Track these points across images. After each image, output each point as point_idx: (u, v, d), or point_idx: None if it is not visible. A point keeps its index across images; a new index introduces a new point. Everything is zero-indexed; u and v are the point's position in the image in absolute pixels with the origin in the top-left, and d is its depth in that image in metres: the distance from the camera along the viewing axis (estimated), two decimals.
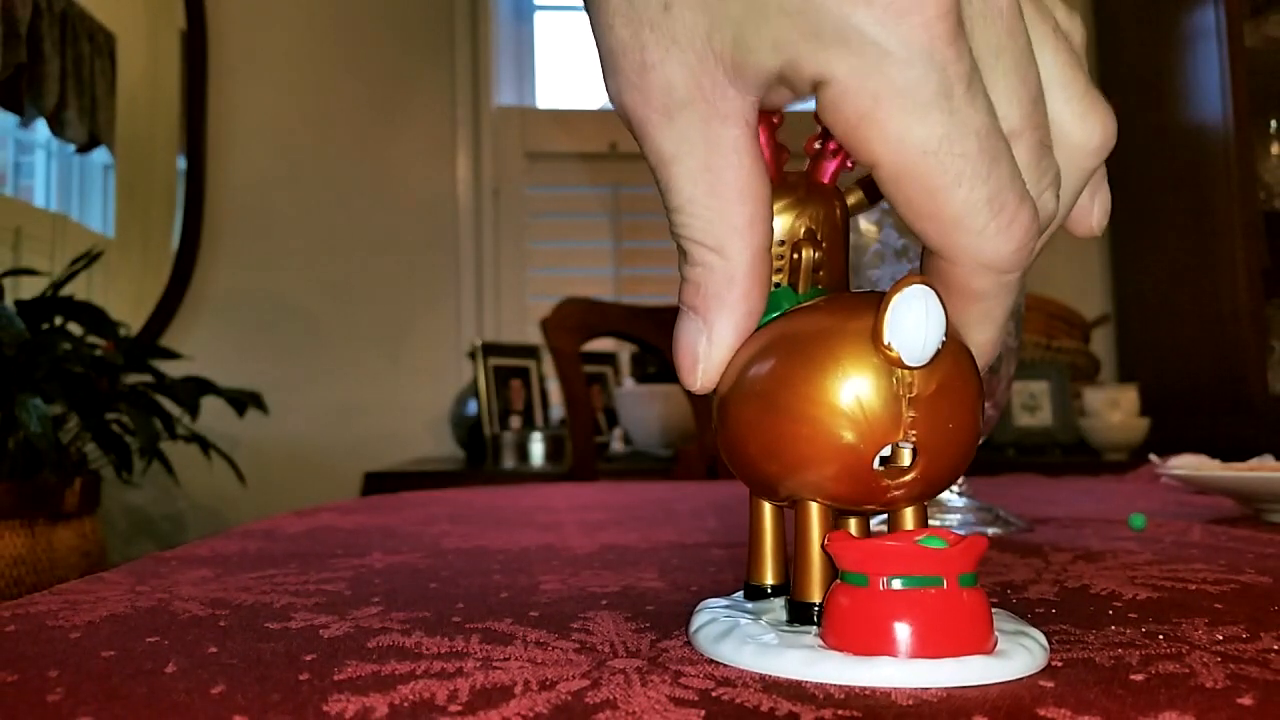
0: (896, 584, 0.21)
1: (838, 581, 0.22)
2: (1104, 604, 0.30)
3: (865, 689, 0.20)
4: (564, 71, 2.31)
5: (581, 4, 0.25)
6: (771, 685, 0.21)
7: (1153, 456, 0.82)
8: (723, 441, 0.25)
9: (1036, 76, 0.23)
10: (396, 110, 2.15)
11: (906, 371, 0.22)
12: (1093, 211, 0.27)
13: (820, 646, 0.22)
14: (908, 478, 0.23)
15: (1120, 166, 2.29)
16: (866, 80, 0.21)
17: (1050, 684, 0.21)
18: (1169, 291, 2.05)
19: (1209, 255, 1.90)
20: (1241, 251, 1.81)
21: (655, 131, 0.23)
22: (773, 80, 0.23)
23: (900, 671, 0.20)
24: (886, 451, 0.22)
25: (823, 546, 0.23)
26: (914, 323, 0.21)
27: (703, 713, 0.19)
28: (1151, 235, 2.11)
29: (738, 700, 0.20)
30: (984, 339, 0.25)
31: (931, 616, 0.21)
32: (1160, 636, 0.25)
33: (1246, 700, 0.19)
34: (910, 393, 0.22)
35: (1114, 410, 1.79)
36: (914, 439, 0.22)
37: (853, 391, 0.22)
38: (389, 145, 2.15)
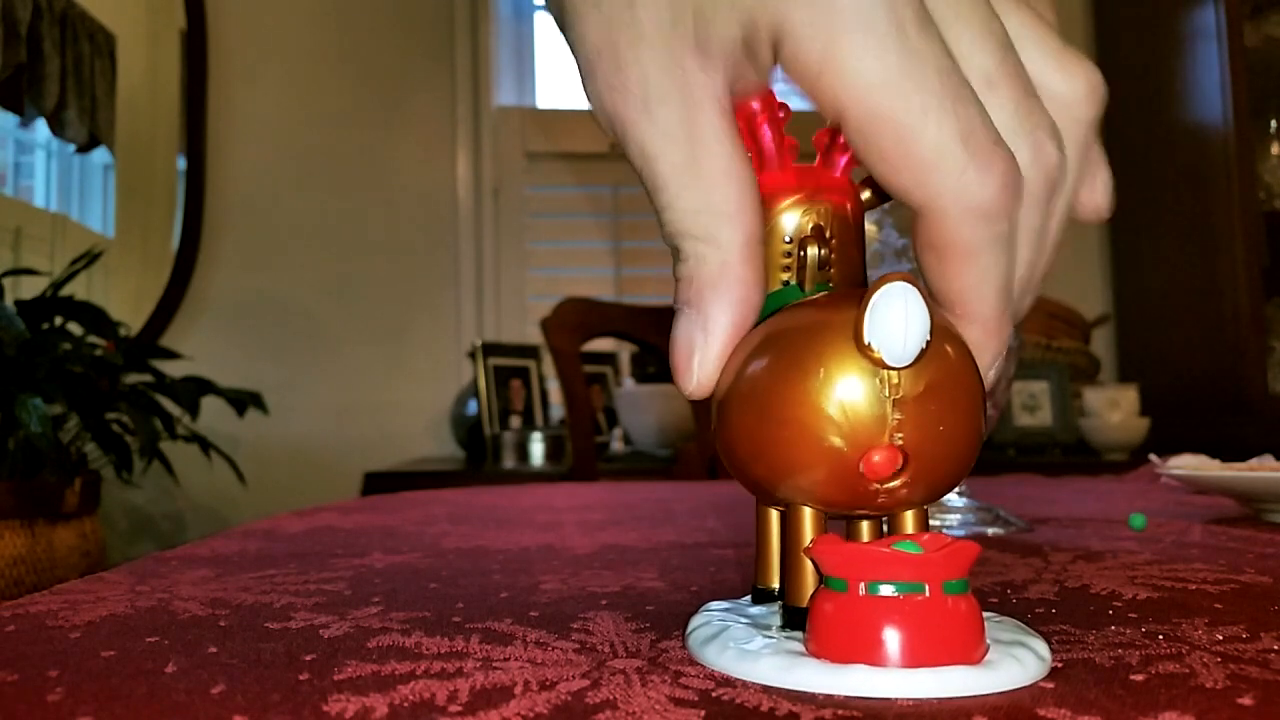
0: (877, 590, 0.21)
1: (821, 586, 0.22)
2: (1104, 604, 0.30)
3: None
4: (564, 71, 2.31)
5: (555, 21, 0.25)
6: (771, 686, 0.21)
7: (1153, 456, 0.82)
8: (719, 444, 0.24)
9: (1002, 28, 0.23)
10: (396, 110, 2.15)
11: (891, 372, 0.21)
12: (1097, 190, 0.27)
13: (803, 653, 0.21)
14: (895, 483, 0.22)
15: (1120, 166, 2.29)
16: (820, 25, 0.21)
17: (1050, 684, 0.21)
18: (1169, 291, 2.05)
19: (1209, 255, 1.90)
20: (1241, 251, 1.81)
21: (636, 130, 0.23)
22: (738, 51, 0.23)
23: (876, 680, 0.20)
24: (878, 456, 0.22)
25: (805, 551, 0.23)
26: (894, 321, 0.21)
27: (703, 713, 0.19)
28: (1151, 235, 2.11)
29: (738, 700, 0.20)
30: (987, 308, 0.24)
31: (911, 624, 0.20)
32: (1160, 636, 0.25)
33: (1246, 700, 0.19)
34: (896, 394, 0.21)
35: (1114, 410, 1.79)
36: (901, 442, 0.21)
37: (836, 393, 0.21)
38: (389, 145, 2.15)
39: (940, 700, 0.19)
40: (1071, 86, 0.24)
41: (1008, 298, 0.24)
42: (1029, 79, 0.23)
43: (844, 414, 0.21)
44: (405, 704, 0.19)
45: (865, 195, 0.26)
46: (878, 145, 0.22)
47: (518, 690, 0.20)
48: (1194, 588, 0.33)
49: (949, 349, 0.22)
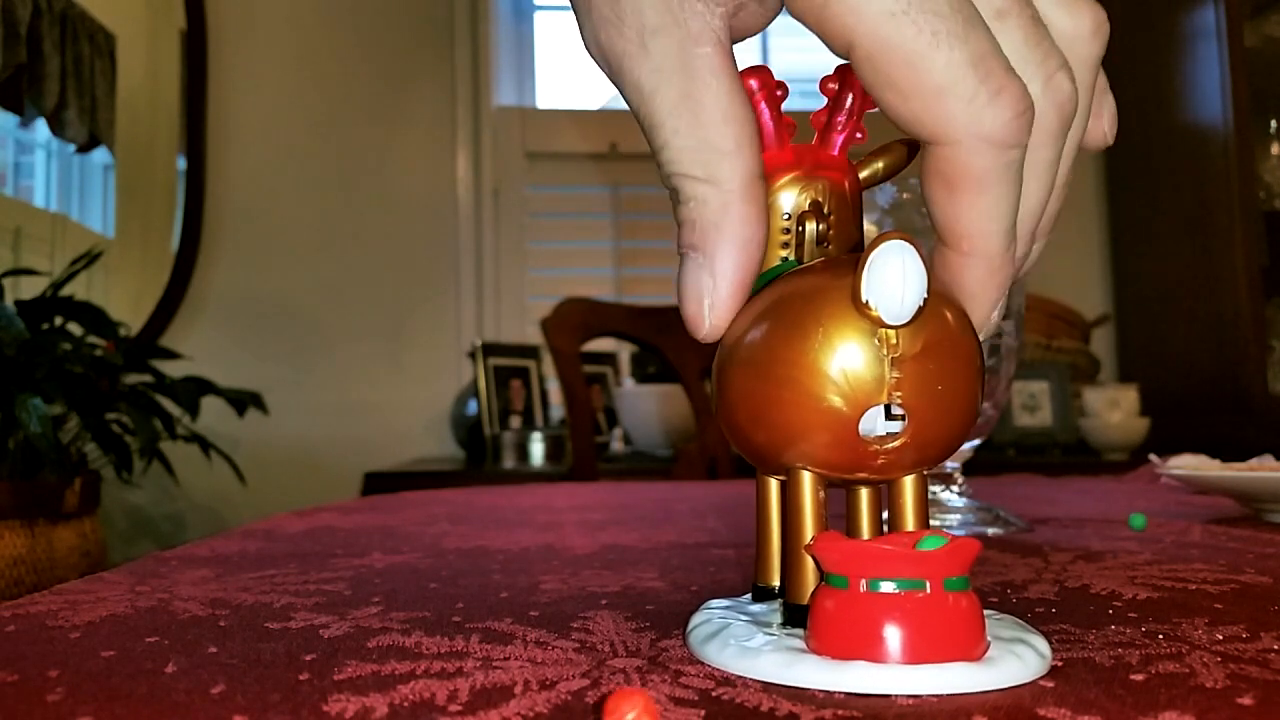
0: (877, 587, 0.21)
1: (821, 583, 0.22)
2: (1104, 604, 0.30)
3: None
4: (564, 71, 2.31)
5: None
6: (772, 685, 0.21)
7: (1153, 456, 0.82)
8: (720, 413, 0.24)
9: None
10: (396, 110, 2.15)
11: (889, 331, 0.21)
12: (1103, 117, 0.26)
13: (804, 650, 0.21)
14: (896, 443, 0.22)
15: (1120, 166, 2.30)
16: None
17: (1050, 684, 0.21)
18: (1169, 291, 2.05)
19: (1209, 255, 1.90)
20: (1241, 251, 1.81)
21: (633, 65, 0.23)
22: None
23: (876, 677, 0.20)
24: (879, 422, 0.21)
25: (806, 548, 0.23)
26: (892, 278, 0.21)
27: (703, 713, 0.19)
28: (1151, 235, 2.11)
29: (738, 700, 0.20)
30: (994, 243, 0.23)
31: (911, 621, 0.20)
32: (1160, 636, 0.25)
33: (1246, 700, 0.19)
34: (895, 353, 0.21)
35: (1114, 410, 1.79)
36: (899, 401, 0.21)
37: (834, 353, 0.21)
38: (389, 145, 2.15)
39: (940, 700, 0.19)
40: (1076, 23, 0.24)
41: (1012, 235, 0.24)
42: (1038, 11, 0.23)
43: (843, 374, 0.21)
44: (405, 704, 0.19)
45: (864, 173, 0.26)
46: (887, 73, 0.22)
47: (518, 690, 0.20)
48: (1194, 588, 0.33)
49: (946, 312, 0.22)
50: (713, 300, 0.23)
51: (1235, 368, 1.83)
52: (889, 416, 0.21)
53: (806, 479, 0.23)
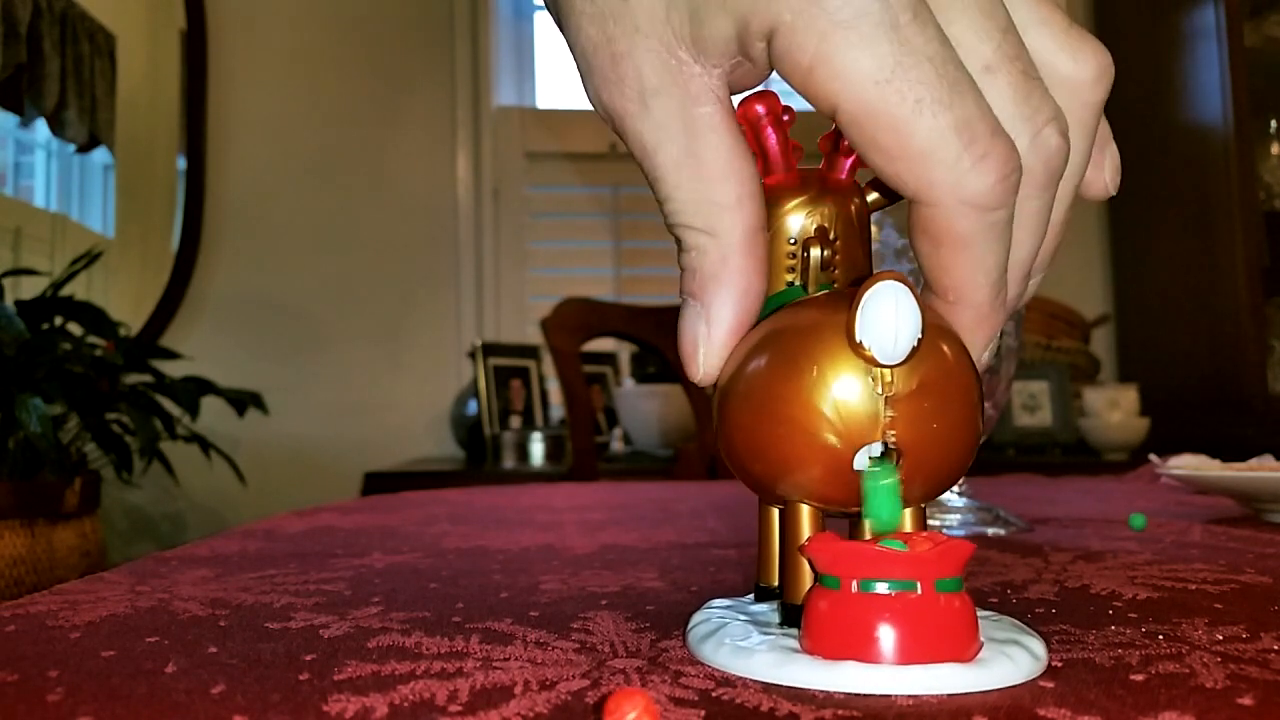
0: (870, 587, 0.21)
1: (815, 584, 0.22)
2: (1104, 604, 0.30)
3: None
4: (564, 71, 2.31)
5: (554, 21, 0.25)
6: (772, 686, 0.21)
7: (1153, 456, 0.82)
8: (720, 443, 0.25)
9: (1004, 11, 0.23)
10: (396, 110, 2.15)
11: (883, 370, 0.21)
12: (1104, 168, 0.26)
13: (798, 650, 0.22)
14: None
15: (1121, 167, 2.29)
16: (812, 20, 0.21)
17: (1050, 684, 0.21)
18: (1169, 291, 2.05)
19: (1209, 255, 1.90)
20: (1241, 251, 1.81)
21: (634, 123, 0.24)
22: (732, 49, 0.23)
23: (868, 677, 0.20)
24: (876, 451, 0.22)
25: (800, 549, 0.23)
26: (885, 319, 0.21)
27: (703, 713, 0.19)
28: (1151, 235, 2.11)
29: (738, 700, 0.20)
30: (980, 295, 0.24)
31: (903, 622, 0.20)
32: (1160, 636, 0.25)
33: (1246, 700, 0.19)
34: (889, 391, 0.21)
35: (1114, 410, 1.79)
36: (893, 439, 0.21)
37: (830, 391, 0.21)
38: (389, 145, 2.15)
39: (940, 700, 0.19)
40: (1079, 69, 0.24)
41: (1001, 285, 0.24)
42: (1031, 62, 0.23)
43: (837, 412, 0.21)
44: (405, 704, 0.19)
45: (872, 197, 0.26)
46: (872, 138, 0.22)
47: (518, 690, 0.20)
48: (1194, 588, 0.33)
49: (944, 347, 0.22)
50: (707, 349, 0.24)
51: (1235, 368, 1.83)
52: (884, 454, 0.22)
53: (804, 511, 0.23)
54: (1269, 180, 1.93)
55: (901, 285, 0.21)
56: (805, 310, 0.23)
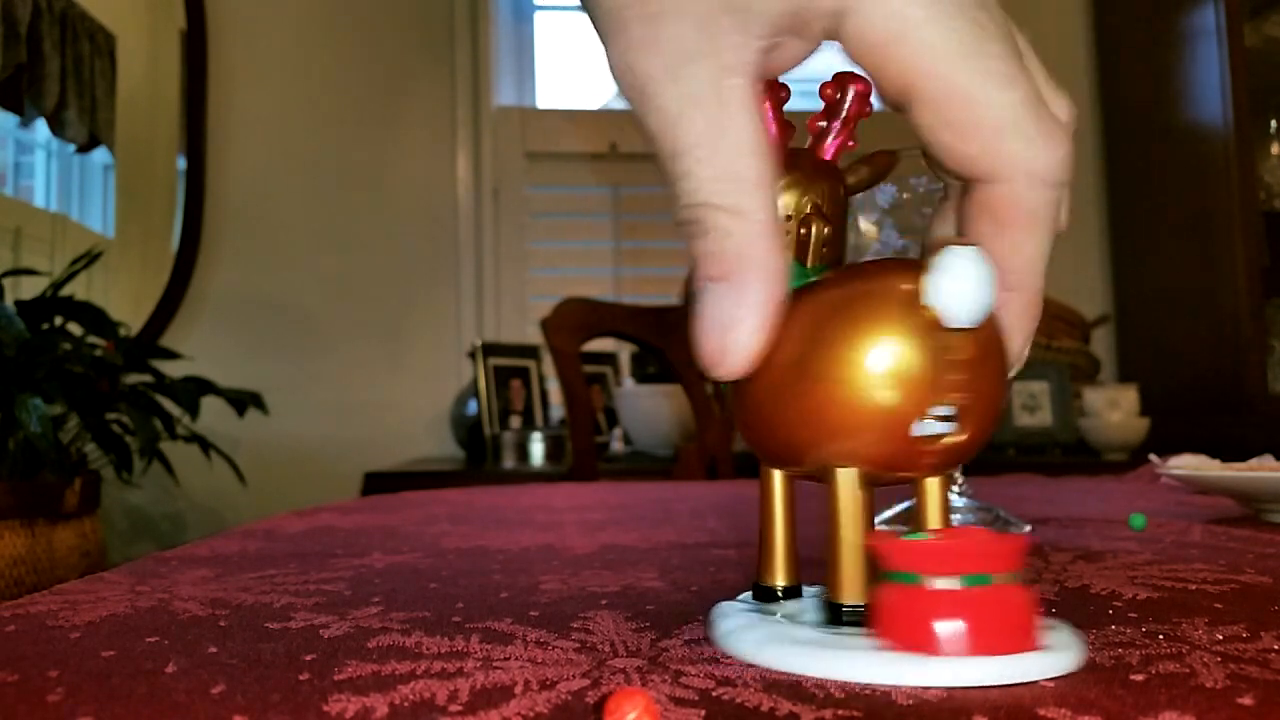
0: (946, 583, 0.21)
1: (887, 582, 0.22)
2: (1104, 604, 0.30)
3: (869, 688, 0.20)
4: (564, 71, 2.31)
5: None
6: (772, 685, 0.21)
7: (1153, 456, 0.82)
8: (746, 410, 0.24)
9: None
10: (396, 110, 2.15)
11: (951, 334, 0.22)
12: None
13: (877, 648, 0.21)
14: (950, 441, 0.22)
15: (1120, 166, 2.30)
16: (892, 2, 0.21)
17: (1050, 684, 0.21)
18: (1169, 291, 2.05)
19: (1209, 255, 1.90)
20: (1241, 251, 1.81)
21: (660, 89, 0.22)
22: (782, 24, 0.22)
23: (974, 670, 0.20)
24: (941, 412, 0.22)
25: (865, 547, 0.23)
26: (966, 282, 0.21)
27: (703, 712, 0.19)
28: (1151, 235, 2.11)
29: (738, 700, 0.20)
30: (1037, 278, 0.24)
31: (985, 614, 0.21)
32: (1160, 636, 0.25)
33: (1246, 700, 0.19)
34: (957, 355, 0.22)
35: (1114, 410, 1.79)
36: (958, 402, 0.22)
37: (896, 355, 0.22)
38: (389, 145, 2.15)
39: (941, 699, 0.20)
40: (1058, 112, 0.25)
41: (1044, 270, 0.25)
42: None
43: (905, 375, 0.22)
44: (405, 704, 0.19)
45: (858, 176, 0.27)
46: (946, 114, 0.22)
47: (518, 690, 0.20)
48: (1194, 588, 0.33)
49: (990, 315, 0.23)
50: (741, 334, 0.23)
51: (1235, 368, 1.83)
52: (947, 417, 0.22)
53: (849, 477, 0.23)
54: (1269, 180, 1.93)
55: (978, 250, 0.21)
56: (855, 279, 0.23)
